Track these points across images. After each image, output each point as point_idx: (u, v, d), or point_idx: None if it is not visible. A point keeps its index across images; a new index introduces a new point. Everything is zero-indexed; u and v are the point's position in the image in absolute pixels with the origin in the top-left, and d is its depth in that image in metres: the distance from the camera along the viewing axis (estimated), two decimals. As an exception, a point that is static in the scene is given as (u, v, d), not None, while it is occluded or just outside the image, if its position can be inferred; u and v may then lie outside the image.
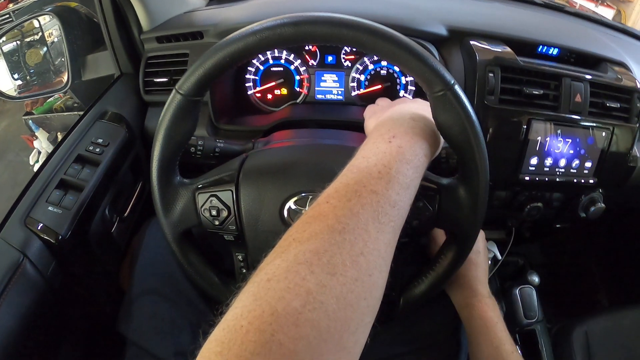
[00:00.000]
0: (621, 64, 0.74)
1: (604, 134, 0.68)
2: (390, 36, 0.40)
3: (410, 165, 0.38)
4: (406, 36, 0.42)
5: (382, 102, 0.58)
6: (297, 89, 0.84)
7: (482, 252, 0.65)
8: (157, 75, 0.79)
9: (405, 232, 0.38)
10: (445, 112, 0.42)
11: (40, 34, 1.12)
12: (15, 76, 1.04)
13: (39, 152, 2.13)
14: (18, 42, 1.08)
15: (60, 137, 2.01)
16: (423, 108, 0.47)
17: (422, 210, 0.47)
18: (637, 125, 0.70)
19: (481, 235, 0.66)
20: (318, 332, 0.26)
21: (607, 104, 0.68)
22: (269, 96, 0.85)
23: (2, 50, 0.99)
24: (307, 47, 0.82)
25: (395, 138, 0.40)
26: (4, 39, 1.01)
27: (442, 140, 0.46)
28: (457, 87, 0.41)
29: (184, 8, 0.89)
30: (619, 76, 0.70)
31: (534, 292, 0.88)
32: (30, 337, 0.57)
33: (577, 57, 0.75)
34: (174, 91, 0.44)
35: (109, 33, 0.82)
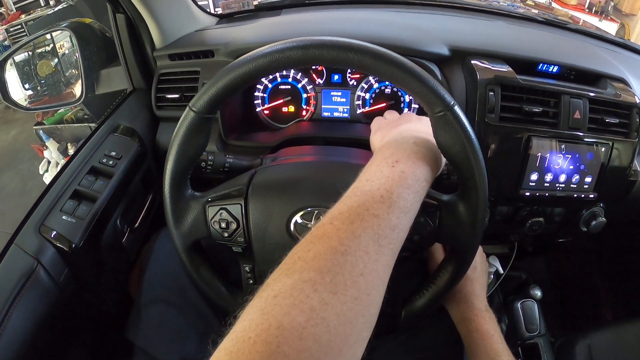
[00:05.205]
0: (621, 80, 0.75)
1: (603, 149, 0.69)
2: (392, 59, 0.42)
3: (411, 190, 0.40)
4: (410, 57, 0.43)
5: (390, 115, 0.59)
6: (304, 107, 0.86)
7: (479, 267, 0.66)
8: (169, 92, 0.81)
9: (406, 247, 0.39)
10: (446, 131, 0.43)
11: (51, 45, 1.15)
12: (26, 86, 1.07)
13: (49, 162, 2.17)
14: (29, 53, 1.10)
15: (70, 147, 2.04)
16: (427, 130, 0.48)
17: (424, 226, 0.49)
18: (637, 140, 0.70)
19: (478, 250, 0.66)
20: (320, 346, 0.28)
21: (606, 120, 0.69)
22: (277, 113, 0.87)
23: (14, 60, 1.01)
24: (314, 67, 0.84)
25: (399, 163, 0.41)
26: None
27: (443, 160, 0.47)
28: (456, 108, 0.43)
29: (195, 27, 0.92)
30: (618, 92, 0.71)
31: (536, 306, 0.88)
32: (41, 340, 0.58)
33: (577, 74, 0.76)
34: (187, 108, 0.46)
35: (123, 50, 0.85)
